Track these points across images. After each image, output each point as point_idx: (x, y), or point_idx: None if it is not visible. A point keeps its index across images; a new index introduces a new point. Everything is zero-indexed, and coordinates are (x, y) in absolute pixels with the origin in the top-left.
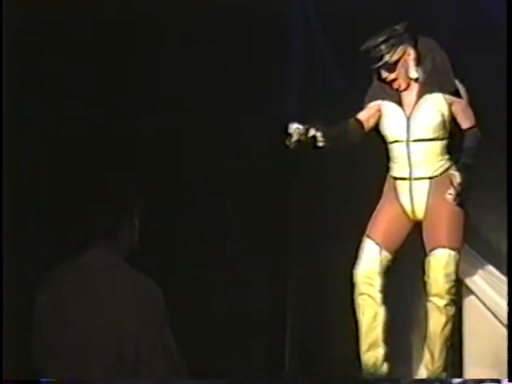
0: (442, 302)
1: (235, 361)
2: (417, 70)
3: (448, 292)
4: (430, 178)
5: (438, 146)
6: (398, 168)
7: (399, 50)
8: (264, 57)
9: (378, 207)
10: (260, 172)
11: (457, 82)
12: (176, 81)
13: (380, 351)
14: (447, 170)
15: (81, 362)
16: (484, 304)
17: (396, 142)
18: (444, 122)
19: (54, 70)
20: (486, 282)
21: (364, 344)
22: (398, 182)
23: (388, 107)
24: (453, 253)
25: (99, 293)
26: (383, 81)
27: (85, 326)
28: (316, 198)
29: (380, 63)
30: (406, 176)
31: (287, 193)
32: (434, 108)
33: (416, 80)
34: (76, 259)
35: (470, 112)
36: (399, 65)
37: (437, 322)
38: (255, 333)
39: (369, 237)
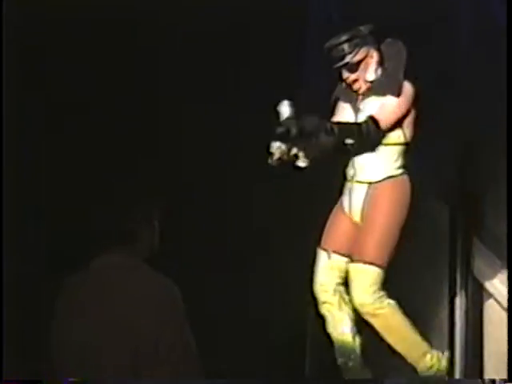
0: (368, 316)
1: (258, 363)
2: (375, 73)
3: (373, 304)
4: (368, 183)
5: (384, 151)
6: (347, 170)
7: (362, 51)
8: (266, 56)
9: (331, 215)
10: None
11: (405, 83)
12: (177, 80)
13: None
14: (390, 177)
15: (97, 363)
16: (504, 307)
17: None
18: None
19: (54, 69)
20: (505, 285)
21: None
22: (346, 183)
23: (344, 109)
24: (377, 270)
25: (117, 295)
26: (344, 81)
27: (102, 328)
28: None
29: (341, 63)
30: (350, 178)
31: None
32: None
33: (372, 83)
34: (93, 264)
35: (389, 111)
36: (361, 66)
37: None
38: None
39: (320, 246)
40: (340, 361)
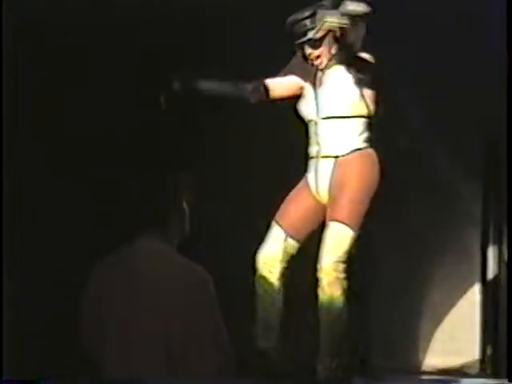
0: (325, 279)
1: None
2: (338, 47)
3: (335, 269)
4: (335, 156)
5: (348, 124)
6: (310, 147)
7: (325, 27)
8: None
9: (292, 191)
10: None
11: (364, 54)
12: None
13: (272, 336)
14: (356, 150)
15: (129, 354)
16: None
17: (309, 121)
18: (352, 97)
19: (54, 69)
20: None
21: (258, 328)
22: (309, 161)
23: (305, 88)
24: (349, 230)
25: (149, 282)
26: (305, 58)
27: (134, 317)
28: None
29: (304, 39)
30: (314, 155)
31: None
32: (340, 82)
33: (333, 56)
34: (124, 250)
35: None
36: (324, 41)
37: (322, 308)
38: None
39: (277, 222)
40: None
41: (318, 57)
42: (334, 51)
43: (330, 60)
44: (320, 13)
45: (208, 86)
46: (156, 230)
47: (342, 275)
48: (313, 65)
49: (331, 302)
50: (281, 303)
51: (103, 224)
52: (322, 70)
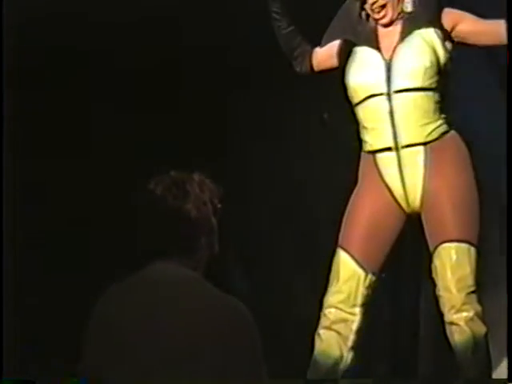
0: (461, 318)
1: None
2: (412, 2)
3: (466, 301)
4: (424, 143)
5: (431, 98)
6: (376, 136)
7: None
8: None
9: (354, 201)
10: None
11: (455, 10)
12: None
13: None
14: (445, 133)
15: None
16: None
17: (372, 96)
18: (438, 64)
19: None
20: None
21: None
22: (379, 156)
23: (359, 50)
24: (466, 247)
25: (174, 314)
26: (362, 7)
27: (152, 357)
28: None
29: None
30: (391, 144)
31: None
32: (423, 46)
33: (408, 14)
34: (145, 272)
35: (485, 22)
36: None
37: (464, 347)
38: None
39: (346, 251)
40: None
41: (382, 7)
42: (406, 6)
43: (398, 13)
44: None
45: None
46: (180, 252)
47: (476, 307)
48: (369, 18)
49: (475, 342)
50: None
51: (120, 241)
52: (385, 25)
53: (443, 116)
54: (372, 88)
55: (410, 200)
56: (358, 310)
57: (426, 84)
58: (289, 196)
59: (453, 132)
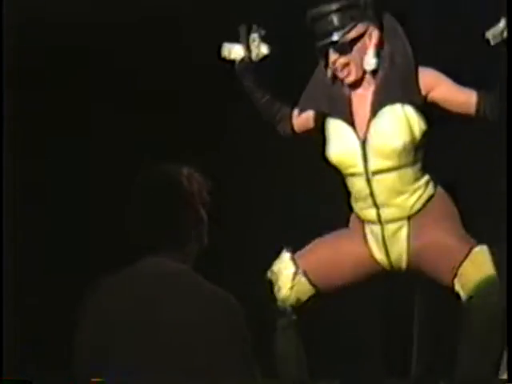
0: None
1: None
2: (376, 60)
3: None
4: (407, 217)
5: (410, 173)
6: (361, 208)
7: (359, 27)
8: None
9: (333, 243)
10: None
11: (431, 70)
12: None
13: None
14: (430, 199)
15: None
16: None
17: (351, 174)
18: (414, 141)
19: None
20: None
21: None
22: (366, 225)
23: (334, 124)
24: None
25: (166, 309)
26: (326, 64)
27: (142, 351)
28: None
29: (330, 39)
30: (374, 219)
31: None
32: (398, 124)
33: (373, 74)
34: (136, 266)
35: (458, 91)
36: (356, 47)
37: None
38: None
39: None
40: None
41: (345, 65)
42: (372, 63)
43: (360, 73)
44: (354, 7)
45: (251, 88)
46: (169, 245)
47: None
48: (335, 78)
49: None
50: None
51: (105, 236)
52: (351, 87)
53: (425, 180)
54: (350, 166)
55: (395, 265)
56: None
57: (402, 162)
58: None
59: (438, 192)
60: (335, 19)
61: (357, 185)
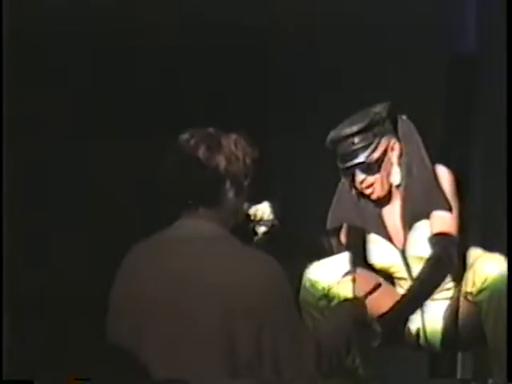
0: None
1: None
2: (401, 174)
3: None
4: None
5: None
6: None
7: (382, 144)
8: None
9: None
10: None
11: (441, 168)
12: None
13: None
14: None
15: (176, 359)
16: None
17: (399, 279)
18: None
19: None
20: None
21: None
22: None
23: (370, 239)
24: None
25: (205, 272)
26: (353, 186)
27: (182, 314)
28: None
29: (357, 160)
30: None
31: None
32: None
33: (397, 186)
34: (169, 230)
35: (449, 219)
36: (383, 164)
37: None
38: None
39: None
40: None
41: (372, 183)
42: (397, 177)
43: (388, 188)
44: (375, 125)
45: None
46: (207, 207)
47: None
48: (361, 195)
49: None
50: None
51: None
52: (379, 200)
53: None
54: (395, 272)
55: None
56: None
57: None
58: None
59: None
60: (357, 140)
61: (402, 284)
